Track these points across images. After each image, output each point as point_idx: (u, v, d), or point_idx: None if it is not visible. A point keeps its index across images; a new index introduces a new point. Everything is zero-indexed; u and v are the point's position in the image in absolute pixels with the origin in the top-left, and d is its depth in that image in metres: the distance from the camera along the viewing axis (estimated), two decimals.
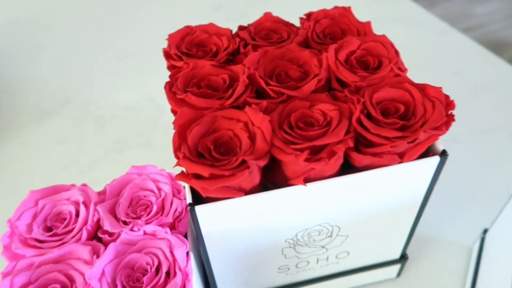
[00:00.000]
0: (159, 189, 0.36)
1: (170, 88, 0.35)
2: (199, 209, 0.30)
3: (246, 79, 0.34)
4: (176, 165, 0.30)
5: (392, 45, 0.37)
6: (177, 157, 0.30)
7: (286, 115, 0.32)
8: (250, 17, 0.51)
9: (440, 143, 0.33)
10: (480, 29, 1.83)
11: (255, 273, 0.39)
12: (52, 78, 0.77)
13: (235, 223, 0.32)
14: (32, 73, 0.78)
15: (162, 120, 0.68)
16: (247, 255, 0.36)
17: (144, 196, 0.35)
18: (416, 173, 0.33)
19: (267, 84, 0.34)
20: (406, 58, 0.73)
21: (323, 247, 0.38)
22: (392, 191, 0.34)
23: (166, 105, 0.70)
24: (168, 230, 0.32)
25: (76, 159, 0.62)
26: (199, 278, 0.39)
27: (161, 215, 0.34)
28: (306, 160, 0.29)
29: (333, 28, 0.42)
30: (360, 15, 0.44)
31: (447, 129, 0.30)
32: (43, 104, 0.72)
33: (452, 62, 0.78)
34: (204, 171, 0.28)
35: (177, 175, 0.30)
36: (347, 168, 0.32)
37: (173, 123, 0.31)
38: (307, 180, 0.31)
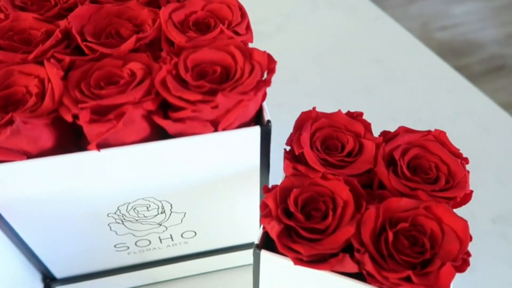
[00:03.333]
0: None
1: None
2: None
3: (60, 33, 0.31)
4: None
5: (240, 8, 0.34)
6: None
7: (90, 74, 0.29)
8: None
9: (267, 114, 0.30)
10: (454, 29, 1.82)
11: (87, 251, 0.36)
12: None
13: (29, 190, 0.29)
14: None
15: None
16: (65, 229, 0.33)
17: None
18: (238, 144, 0.30)
19: (84, 40, 0.31)
20: (333, 42, 0.71)
21: (160, 224, 0.36)
22: (214, 163, 0.31)
23: None
24: None
25: None
26: (20, 255, 0.35)
27: None
28: (91, 121, 0.26)
29: None
30: None
31: (255, 94, 0.27)
32: None
33: (377, 48, 0.76)
34: None
35: None
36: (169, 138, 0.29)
37: None
38: (105, 146, 0.28)
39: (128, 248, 0.37)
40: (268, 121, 0.30)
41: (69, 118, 0.26)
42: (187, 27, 0.33)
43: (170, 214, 0.35)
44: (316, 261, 0.29)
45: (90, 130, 0.27)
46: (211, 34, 0.32)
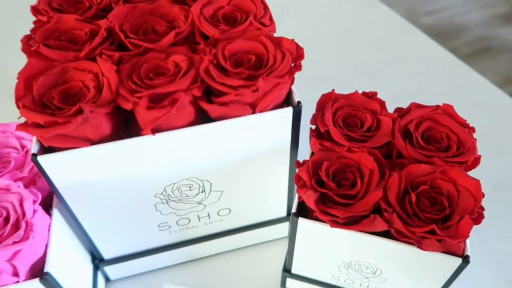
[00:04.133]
0: (22, 146, 0.35)
1: (27, 41, 0.34)
2: (42, 158, 0.29)
3: (104, 31, 0.34)
4: (20, 116, 0.30)
5: (263, 1, 0.38)
6: (17, 106, 0.29)
7: (139, 67, 0.32)
8: None
9: (296, 95, 0.34)
10: (440, 13, 1.87)
11: (134, 231, 0.40)
12: None
13: (90, 175, 0.32)
14: None
15: None
16: (117, 210, 0.36)
17: (7, 153, 0.35)
18: (273, 124, 0.34)
19: (127, 37, 0.34)
20: (331, 28, 0.73)
21: (199, 203, 0.39)
22: (252, 142, 0.35)
23: None
24: (21, 184, 0.31)
25: None
26: (75, 238, 0.38)
27: (21, 171, 0.33)
28: (148, 108, 0.29)
29: None
30: None
31: (289, 78, 0.31)
32: None
33: (374, 33, 0.80)
34: (40, 119, 0.28)
35: (18, 125, 0.29)
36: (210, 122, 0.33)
37: (19, 73, 0.31)
38: (157, 131, 0.31)
39: (170, 227, 0.41)
40: (299, 102, 0.33)
41: (128, 106, 0.29)
42: (217, 21, 0.36)
43: (210, 193, 0.38)
44: (348, 223, 0.33)
45: (146, 116, 0.30)
46: (242, 26, 0.35)
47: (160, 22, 0.36)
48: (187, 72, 0.31)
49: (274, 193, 0.41)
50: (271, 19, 0.38)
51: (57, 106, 0.29)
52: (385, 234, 0.33)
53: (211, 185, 0.37)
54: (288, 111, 0.33)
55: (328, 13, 0.84)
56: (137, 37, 0.34)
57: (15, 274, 0.30)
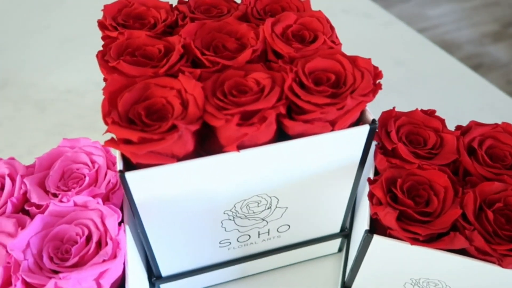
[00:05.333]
0: (92, 162, 0.35)
1: (102, 56, 0.34)
2: (130, 175, 0.29)
3: (181, 48, 0.34)
4: (106, 132, 0.29)
5: (328, 21, 0.38)
6: (105, 122, 0.29)
7: (220, 83, 0.32)
8: None
9: (370, 113, 0.34)
10: (432, 30, 1.91)
11: (196, 248, 0.39)
12: None
13: (169, 191, 0.32)
14: None
15: None
16: (185, 227, 0.36)
17: (77, 169, 0.34)
18: (348, 141, 0.34)
19: (203, 54, 0.34)
20: (352, 47, 0.75)
21: (263, 219, 0.39)
22: (325, 159, 0.35)
23: None
24: (100, 200, 0.31)
25: (13, 143, 0.59)
26: (138, 255, 0.38)
27: (94, 186, 0.33)
28: (238, 125, 0.29)
29: (273, 6, 0.42)
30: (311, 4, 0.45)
31: (374, 96, 0.31)
32: None
33: (395, 51, 0.81)
34: (133, 136, 0.28)
35: (106, 141, 0.29)
36: (283, 138, 0.33)
37: (103, 89, 0.30)
38: (240, 147, 0.31)
39: (230, 243, 0.40)
40: (374, 120, 0.34)
41: (218, 123, 0.29)
42: (288, 39, 0.36)
43: (275, 209, 0.38)
44: (426, 241, 0.33)
45: (233, 133, 0.30)
46: (315, 45, 0.35)
47: (228, 39, 0.37)
48: (272, 90, 0.31)
49: (333, 209, 0.41)
50: (337, 38, 0.38)
51: (144, 122, 0.29)
52: (456, 251, 0.33)
53: (278, 202, 0.37)
54: (365, 129, 0.33)
55: (349, 31, 0.86)
56: (214, 54, 0.34)
57: None
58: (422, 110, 0.41)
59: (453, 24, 2.01)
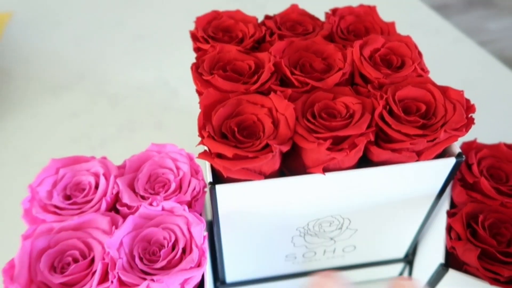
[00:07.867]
0: (177, 168, 0.36)
1: (196, 69, 0.35)
2: (220, 188, 0.30)
3: (272, 66, 0.35)
4: (199, 144, 0.31)
5: (416, 46, 0.38)
6: (201, 136, 0.30)
7: (309, 105, 0.33)
8: (267, 10, 0.51)
9: (456, 146, 0.34)
10: (491, 44, 1.83)
11: (263, 259, 0.40)
12: (68, 53, 0.77)
13: (251, 206, 0.33)
14: (48, 46, 0.79)
15: (174, 103, 0.68)
16: (258, 240, 0.37)
17: (163, 174, 0.36)
18: (431, 172, 0.34)
19: (292, 73, 0.35)
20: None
21: (331, 239, 0.39)
22: (406, 189, 0.35)
23: (179, 89, 0.71)
24: (186, 207, 0.32)
25: (87, 134, 0.62)
26: (209, 262, 0.39)
27: (179, 193, 0.35)
28: (328, 149, 0.30)
29: (357, 25, 0.42)
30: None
31: (467, 131, 0.31)
32: (56, 77, 0.72)
33: (464, 71, 0.79)
34: (228, 152, 0.29)
35: (200, 153, 0.30)
36: (364, 162, 0.33)
37: (199, 102, 0.32)
38: (325, 170, 0.31)
39: (295, 258, 0.41)
40: (460, 153, 0.33)
41: (309, 145, 0.30)
42: (375, 63, 0.36)
43: (345, 230, 0.38)
44: (506, 282, 0.32)
45: (321, 156, 0.31)
46: (404, 71, 0.35)
47: (315, 59, 0.37)
48: (362, 116, 0.31)
49: (402, 235, 0.41)
50: (424, 64, 0.38)
51: (237, 138, 0.30)
52: None
53: (349, 223, 0.38)
54: (450, 162, 0.33)
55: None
56: (302, 74, 0.35)
57: None
58: (505, 144, 0.40)
59: None
